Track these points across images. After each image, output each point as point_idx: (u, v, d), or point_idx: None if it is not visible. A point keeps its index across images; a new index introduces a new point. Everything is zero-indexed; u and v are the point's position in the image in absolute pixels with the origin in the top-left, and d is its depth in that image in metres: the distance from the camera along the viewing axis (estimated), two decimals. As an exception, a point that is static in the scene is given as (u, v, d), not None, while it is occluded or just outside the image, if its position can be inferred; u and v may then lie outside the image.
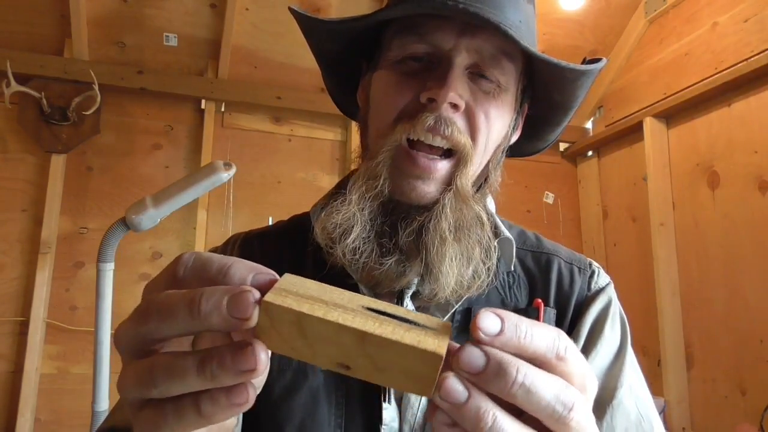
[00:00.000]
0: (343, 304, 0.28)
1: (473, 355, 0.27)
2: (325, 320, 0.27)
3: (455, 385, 0.27)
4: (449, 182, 0.57)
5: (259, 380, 0.33)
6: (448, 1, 0.53)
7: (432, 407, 0.28)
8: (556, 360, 0.29)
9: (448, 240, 0.55)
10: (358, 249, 0.56)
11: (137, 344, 0.31)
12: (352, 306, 0.28)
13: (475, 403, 0.27)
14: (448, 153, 0.57)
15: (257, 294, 0.28)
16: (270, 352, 0.28)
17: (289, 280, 0.30)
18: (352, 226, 0.56)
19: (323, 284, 0.30)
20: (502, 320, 0.28)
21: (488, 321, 0.28)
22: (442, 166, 0.57)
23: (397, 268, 0.56)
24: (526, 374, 0.27)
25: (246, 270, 0.29)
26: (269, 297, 0.28)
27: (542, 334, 0.29)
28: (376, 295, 0.60)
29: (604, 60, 0.61)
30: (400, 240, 0.56)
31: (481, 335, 0.27)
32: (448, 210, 0.56)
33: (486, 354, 0.27)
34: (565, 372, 0.29)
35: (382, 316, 0.28)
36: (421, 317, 0.29)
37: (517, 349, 0.28)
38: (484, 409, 0.27)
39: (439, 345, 0.27)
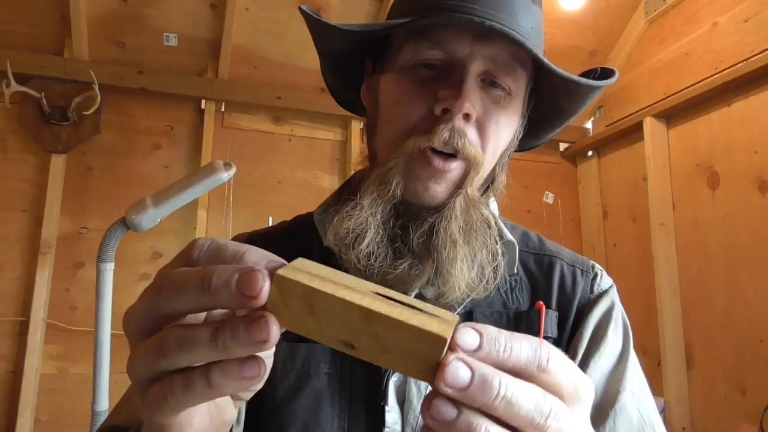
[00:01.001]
0: (353, 286, 0.29)
1: (459, 371, 0.27)
2: (333, 296, 0.28)
3: (443, 403, 0.27)
4: (459, 185, 0.57)
5: (267, 365, 0.34)
6: (464, 14, 0.53)
7: (425, 428, 0.28)
8: (538, 372, 0.28)
9: (459, 242, 0.56)
10: (373, 254, 0.56)
11: (147, 321, 0.31)
12: (361, 289, 0.29)
13: (466, 419, 0.27)
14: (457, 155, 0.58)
15: (267, 275, 0.28)
16: (280, 327, 0.29)
17: (303, 262, 0.30)
18: (365, 231, 0.56)
19: (335, 270, 0.31)
20: (481, 335, 0.28)
21: (467, 337, 0.27)
22: (456, 166, 0.57)
23: (410, 272, 0.56)
24: (507, 386, 0.27)
25: (259, 257, 0.30)
26: (282, 271, 0.28)
27: (522, 347, 0.28)
28: None
29: (617, 75, 0.61)
30: (412, 242, 0.56)
31: (460, 352, 0.27)
32: (458, 212, 0.56)
33: (471, 368, 0.27)
34: (550, 383, 0.29)
35: (390, 301, 0.29)
36: (429, 306, 0.29)
37: (496, 363, 0.28)
38: (476, 424, 0.27)
39: (444, 329, 0.27)
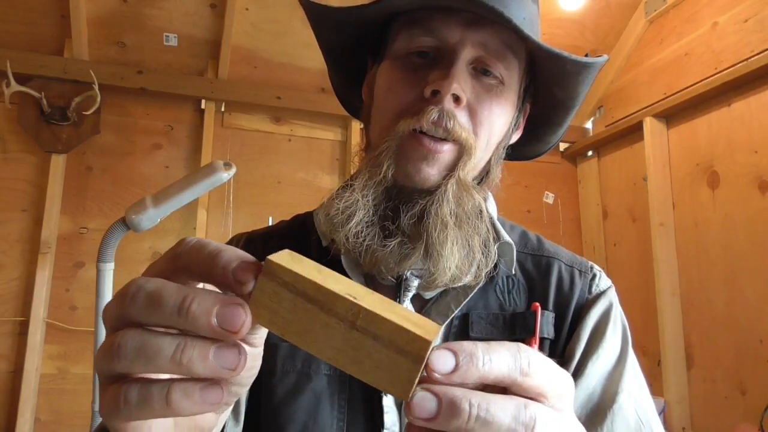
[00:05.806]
0: (340, 283, 0.28)
1: (425, 402, 0.26)
2: (320, 286, 0.27)
3: None
4: (451, 168, 0.58)
5: (236, 388, 0.33)
6: None
7: None
8: (522, 377, 0.28)
9: (450, 224, 0.56)
10: (361, 233, 0.56)
11: (119, 322, 0.29)
12: (348, 286, 0.28)
13: None
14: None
15: (249, 310, 0.27)
16: (260, 326, 0.28)
17: (291, 254, 0.29)
18: (355, 212, 0.56)
19: (325, 267, 0.30)
20: (456, 354, 0.27)
21: (442, 359, 0.27)
22: (447, 149, 0.57)
23: (401, 250, 0.56)
24: (479, 405, 0.26)
25: (233, 256, 0.28)
26: (272, 257, 0.27)
27: (501, 357, 0.27)
28: (376, 285, 0.60)
29: (606, 56, 0.61)
30: (402, 223, 0.57)
31: (437, 376, 0.26)
32: (450, 195, 0.56)
33: (437, 395, 0.26)
34: (533, 386, 0.28)
35: (376, 298, 0.28)
36: (414, 314, 0.28)
37: (479, 379, 0.27)
38: None
39: (428, 333, 0.26)
